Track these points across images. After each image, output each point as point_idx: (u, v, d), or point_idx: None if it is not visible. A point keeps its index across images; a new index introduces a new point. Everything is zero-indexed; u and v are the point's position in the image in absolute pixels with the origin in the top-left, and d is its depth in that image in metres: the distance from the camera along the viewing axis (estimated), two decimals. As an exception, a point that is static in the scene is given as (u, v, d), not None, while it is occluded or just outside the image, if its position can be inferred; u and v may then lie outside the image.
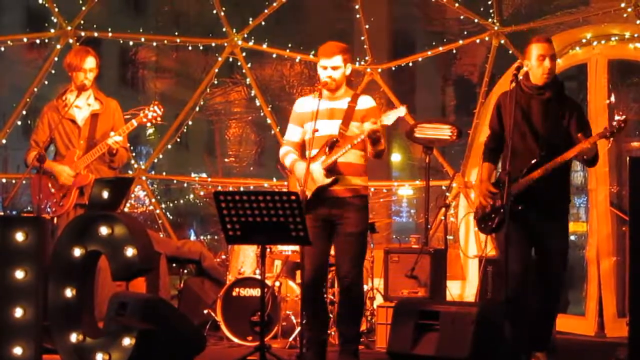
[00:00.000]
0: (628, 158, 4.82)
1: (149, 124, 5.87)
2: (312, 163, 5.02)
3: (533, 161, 4.95)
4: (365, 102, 5.20)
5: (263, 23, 9.06)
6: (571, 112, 5.03)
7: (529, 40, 5.12)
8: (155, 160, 9.68)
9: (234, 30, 9.07)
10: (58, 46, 8.90)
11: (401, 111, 5.05)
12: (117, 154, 5.83)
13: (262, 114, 9.35)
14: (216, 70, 9.19)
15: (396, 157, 15.21)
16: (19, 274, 4.55)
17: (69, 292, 4.54)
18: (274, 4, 8.98)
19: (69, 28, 8.89)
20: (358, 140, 4.98)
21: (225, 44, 9.09)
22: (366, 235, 5.26)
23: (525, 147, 5.00)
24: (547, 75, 4.97)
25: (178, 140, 9.48)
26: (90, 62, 5.85)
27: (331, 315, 6.26)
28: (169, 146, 9.37)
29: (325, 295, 5.42)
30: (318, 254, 5.08)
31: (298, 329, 5.97)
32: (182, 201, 11.08)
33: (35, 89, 8.95)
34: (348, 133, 5.09)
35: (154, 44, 9.70)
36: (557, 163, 4.88)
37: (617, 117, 4.76)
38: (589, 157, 4.91)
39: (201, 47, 9.54)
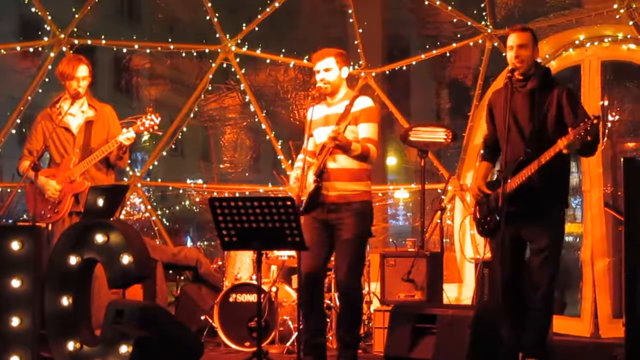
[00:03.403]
0: (622, 159, 4.79)
1: (145, 132, 5.85)
2: (309, 171, 5.02)
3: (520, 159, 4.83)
4: (360, 103, 5.09)
5: (256, 29, 9.07)
6: (559, 98, 4.86)
7: None
8: (151, 167, 9.67)
9: (228, 36, 9.08)
10: (52, 54, 8.89)
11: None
12: (127, 151, 5.83)
13: (256, 120, 9.35)
14: (210, 76, 9.20)
15: (391, 161, 15.27)
16: (15, 283, 4.55)
17: (65, 301, 4.53)
18: (268, 10, 8.99)
19: (62, 36, 8.90)
20: (324, 148, 4.97)
21: (219, 50, 9.10)
22: (364, 241, 5.22)
23: (513, 144, 4.88)
24: (515, 63, 4.88)
25: (173, 146, 9.48)
26: (83, 71, 5.82)
27: (329, 320, 6.28)
28: (164, 153, 9.37)
29: (322, 299, 5.39)
30: (313, 256, 5.04)
31: (295, 334, 5.97)
32: (177, 208, 11.07)
33: (30, 98, 8.95)
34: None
35: (148, 50, 9.71)
36: (539, 165, 4.74)
37: (610, 118, 4.70)
38: (571, 151, 4.71)
39: (195, 54, 9.54)
